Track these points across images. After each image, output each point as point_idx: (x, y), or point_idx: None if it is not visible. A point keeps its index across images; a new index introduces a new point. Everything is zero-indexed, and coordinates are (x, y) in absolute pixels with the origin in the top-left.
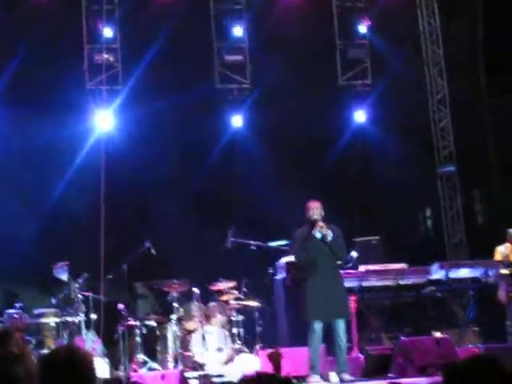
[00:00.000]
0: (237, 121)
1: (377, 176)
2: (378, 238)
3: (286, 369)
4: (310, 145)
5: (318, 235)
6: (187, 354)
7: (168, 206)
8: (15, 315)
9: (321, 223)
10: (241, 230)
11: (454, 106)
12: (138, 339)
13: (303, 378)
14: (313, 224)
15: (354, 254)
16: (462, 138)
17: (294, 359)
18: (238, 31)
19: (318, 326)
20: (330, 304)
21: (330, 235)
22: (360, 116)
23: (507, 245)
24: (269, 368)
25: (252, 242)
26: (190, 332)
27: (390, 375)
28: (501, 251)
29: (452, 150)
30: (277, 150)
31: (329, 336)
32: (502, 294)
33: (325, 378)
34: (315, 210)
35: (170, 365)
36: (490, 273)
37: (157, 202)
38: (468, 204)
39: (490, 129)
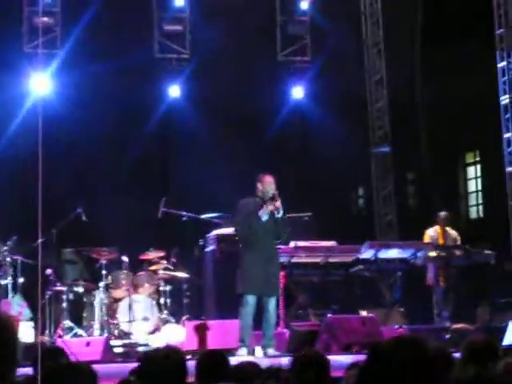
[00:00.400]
0: (174, 91)
1: (313, 153)
2: (310, 214)
3: (214, 341)
4: (247, 118)
5: (265, 217)
6: (113, 321)
7: (103, 172)
8: None
9: (278, 202)
10: (174, 200)
11: (391, 87)
12: (65, 305)
13: (231, 351)
14: (263, 199)
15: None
16: (397, 120)
17: (221, 332)
18: (179, 1)
19: (252, 300)
20: (266, 280)
21: (281, 211)
22: (298, 92)
23: (437, 228)
24: (194, 340)
25: (184, 213)
26: (117, 300)
27: None
28: (430, 234)
29: (387, 130)
30: (214, 121)
31: (258, 311)
32: (429, 277)
33: (251, 352)
34: (269, 184)
35: (96, 332)
36: (419, 255)
37: (92, 167)
38: (400, 186)
39: (424, 112)
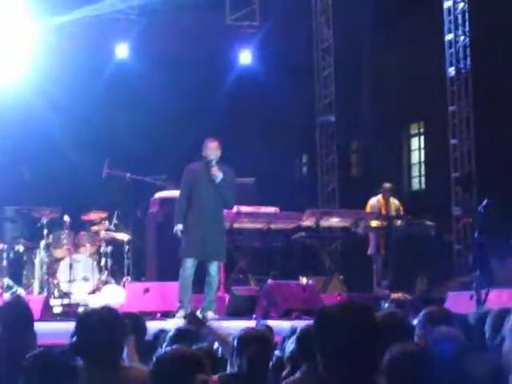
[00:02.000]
0: (122, 51)
1: (259, 118)
2: (253, 179)
3: (154, 303)
4: (195, 81)
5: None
6: (53, 281)
7: (49, 130)
8: None
9: (215, 168)
10: (119, 161)
11: (338, 56)
12: (5, 263)
13: (172, 313)
14: (207, 164)
15: None
16: (343, 89)
17: (162, 294)
18: None
19: (190, 263)
20: (207, 245)
21: (219, 177)
22: (245, 57)
23: (379, 198)
24: (134, 301)
25: (128, 174)
26: (57, 260)
27: (254, 316)
28: (372, 204)
29: (332, 99)
30: (163, 81)
31: (200, 274)
32: (371, 246)
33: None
34: (212, 150)
35: (36, 291)
36: (360, 224)
37: (39, 125)
38: (344, 154)
39: (370, 83)
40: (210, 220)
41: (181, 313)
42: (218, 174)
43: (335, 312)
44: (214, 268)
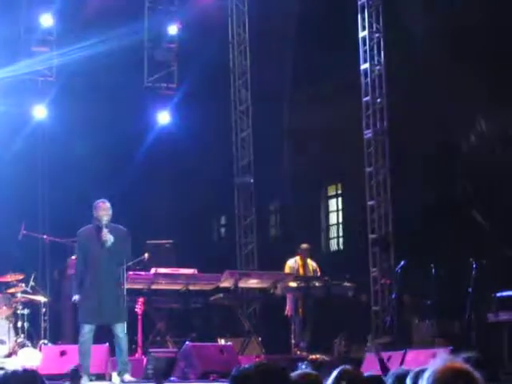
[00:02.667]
0: (40, 112)
1: (177, 180)
2: (171, 241)
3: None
4: (114, 142)
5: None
6: None
7: None
8: None
9: (105, 231)
10: (38, 222)
11: (255, 117)
12: None
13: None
14: (98, 227)
15: (146, 255)
16: (261, 151)
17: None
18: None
19: (87, 329)
20: (104, 308)
21: (110, 241)
22: (163, 118)
23: (297, 259)
24: (50, 364)
25: (45, 236)
26: None
27: (172, 379)
28: (290, 265)
29: (251, 160)
30: (82, 143)
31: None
32: (288, 307)
33: (107, 378)
34: (104, 211)
35: None
36: (279, 285)
37: None
38: (262, 216)
39: (288, 144)
40: (105, 283)
41: (85, 378)
42: (108, 238)
43: (250, 373)
44: (120, 329)
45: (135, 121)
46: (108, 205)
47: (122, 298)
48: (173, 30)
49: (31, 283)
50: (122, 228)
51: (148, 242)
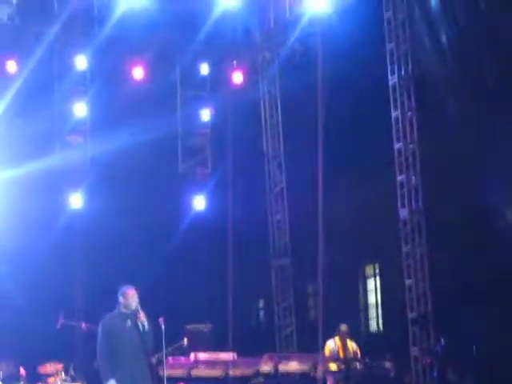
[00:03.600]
0: (76, 201)
1: (213, 263)
2: (209, 325)
3: None
4: (151, 229)
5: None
6: None
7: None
8: None
9: (142, 314)
10: (76, 311)
11: (291, 199)
12: None
13: None
14: (128, 313)
15: (185, 340)
16: (297, 232)
17: None
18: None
19: None
20: None
21: (146, 324)
22: (199, 202)
23: (337, 340)
24: None
25: (83, 324)
26: None
27: None
28: (330, 346)
29: (287, 242)
30: (120, 232)
31: None
32: None
33: None
34: (132, 298)
35: None
36: (319, 367)
37: None
38: (301, 297)
39: (325, 224)
40: (135, 371)
41: None
42: (144, 321)
43: None
44: None
45: (171, 206)
46: (134, 291)
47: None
48: (206, 115)
49: (71, 372)
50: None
51: (187, 326)
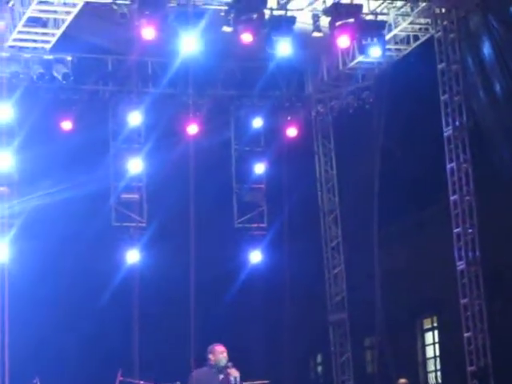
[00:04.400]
0: (133, 257)
1: (271, 319)
2: (267, 382)
3: None
4: (207, 284)
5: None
6: None
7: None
8: None
9: (233, 370)
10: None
11: (346, 253)
12: None
13: None
14: (219, 369)
15: None
16: (354, 286)
17: None
18: (136, 168)
19: None
20: None
21: (238, 377)
22: (255, 257)
23: None
24: None
25: (142, 382)
26: None
27: None
28: None
29: (344, 296)
30: (173, 290)
31: None
32: None
33: None
34: (223, 354)
35: None
36: None
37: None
38: (358, 352)
39: (379, 278)
40: None
41: None
42: (237, 376)
43: None
44: None
45: (227, 261)
46: (224, 348)
47: None
48: (260, 169)
49: None
50: None
51: (244, 383)
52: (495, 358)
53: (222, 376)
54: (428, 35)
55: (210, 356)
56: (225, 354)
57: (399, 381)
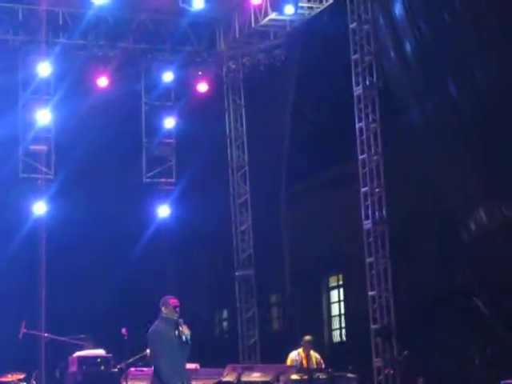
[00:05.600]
0: (39, 208)
1: (176, 275)
2: None
3: None
4: (114, 238)
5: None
6: None
7: None
8: None
9: (185, 327)
10: (37, 321)
11: (255, 209)
12: None
13: None
14: (172, 322)
15: (148, 351)
16: (260, 242)
17: None
18: (44, 120)
19: None
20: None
21: (189, 335)
22: (163, 211)
23: (300, 351)
24: None
25: (46, 334)
26: None
27: None
28: (293, 357)
29: (251, 253)
30: (80, 242)
31: None
32: None
33: None
34: (176, 309)
35: None
36: (282, 378)
37: None
38: (264, 308)
39: (288, 235)
40: (184, 377)
41: None
42: (187, 332)
43: None
44: None
45: (135, 215)
46: (178, 301)
47: None
48: (170, 123)
49: (32, 382)
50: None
51: None
52: (398, 316)
53: (174, 329)
54: None
55: (163, 308)
56: (177, 309)
57: (304, 338)
